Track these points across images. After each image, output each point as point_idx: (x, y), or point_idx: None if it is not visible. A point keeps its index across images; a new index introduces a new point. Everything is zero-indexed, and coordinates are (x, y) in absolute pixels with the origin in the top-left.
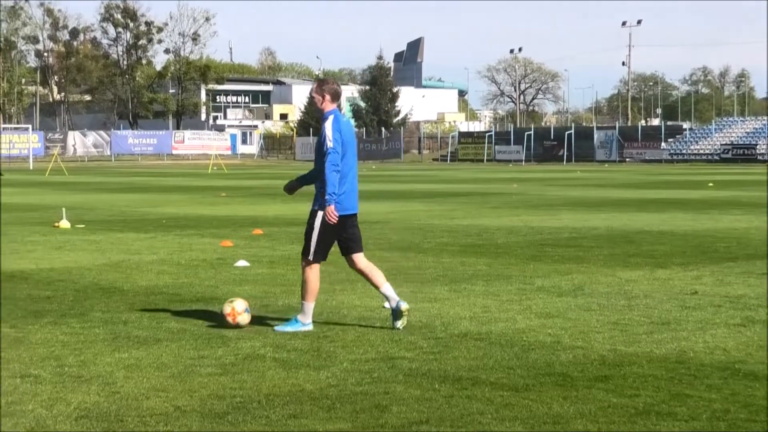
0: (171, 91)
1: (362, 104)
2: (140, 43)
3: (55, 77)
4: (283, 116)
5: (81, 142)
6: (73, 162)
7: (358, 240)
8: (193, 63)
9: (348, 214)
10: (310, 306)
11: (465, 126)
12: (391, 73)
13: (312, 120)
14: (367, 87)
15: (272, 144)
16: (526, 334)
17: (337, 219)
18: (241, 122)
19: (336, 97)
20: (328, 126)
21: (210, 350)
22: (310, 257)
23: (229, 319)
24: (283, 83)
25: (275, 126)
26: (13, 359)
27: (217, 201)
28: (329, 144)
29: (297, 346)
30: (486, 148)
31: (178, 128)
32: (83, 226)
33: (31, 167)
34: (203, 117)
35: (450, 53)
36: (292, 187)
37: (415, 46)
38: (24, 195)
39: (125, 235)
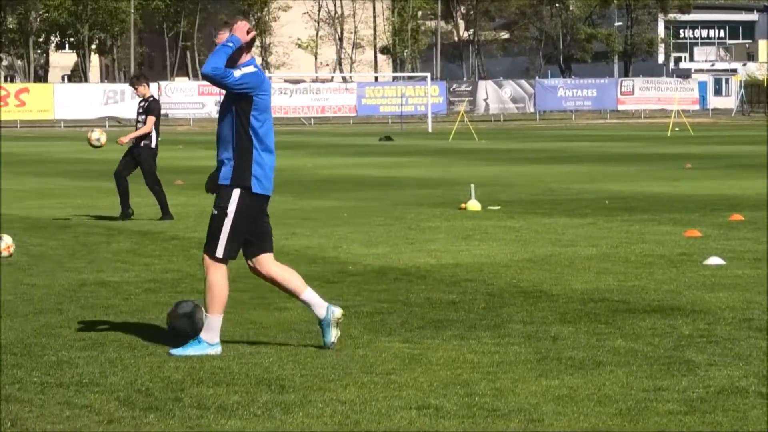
0: (617, 24)
1: None
2: None
3: (461, 9)
4: None
5: (495, 96)
6: (484, 122)
7: (271, 234)
8: None
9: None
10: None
11: None
12: None
13: None
14: None
15: (757, 95)
16: None
17: None
18: (713, 65)
19: None
20: None
21: (671, 380)
22: (217, 254)
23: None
24: None
25: (761, 69)
26: (408, 384)
27: (679, 175)
28: None
29: None
30: None
31: (625, 75)
32: (498, 208)
33: (429, 129)
34: (660, 59)
35: None
36: None
37: None
38: (420, 167)
39: (554, 220)
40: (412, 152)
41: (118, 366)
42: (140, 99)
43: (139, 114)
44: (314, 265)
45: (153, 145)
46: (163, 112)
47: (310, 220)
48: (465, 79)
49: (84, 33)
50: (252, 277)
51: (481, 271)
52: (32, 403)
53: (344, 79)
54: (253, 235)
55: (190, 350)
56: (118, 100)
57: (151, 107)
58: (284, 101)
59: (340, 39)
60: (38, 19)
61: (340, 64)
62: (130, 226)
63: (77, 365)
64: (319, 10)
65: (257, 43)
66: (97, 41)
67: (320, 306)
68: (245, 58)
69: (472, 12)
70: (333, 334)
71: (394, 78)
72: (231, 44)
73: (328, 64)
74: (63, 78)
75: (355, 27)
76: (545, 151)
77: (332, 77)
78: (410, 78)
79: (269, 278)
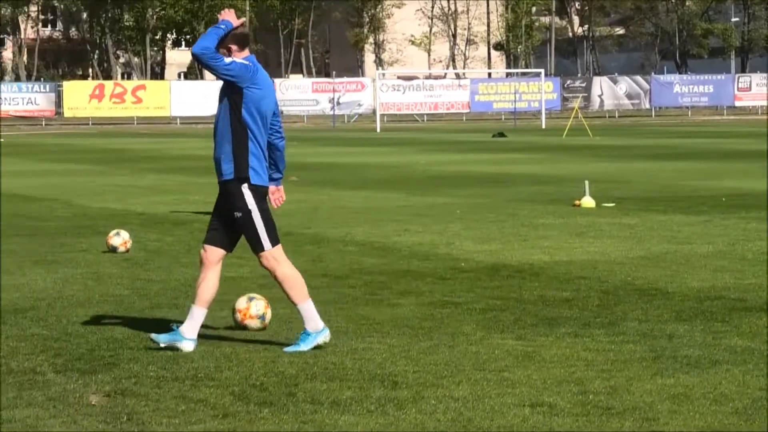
0: (733, 19)
1: None
2: None
3: (576, 4)
4: None
5: (610, 92)
6: (599, 118)
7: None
8: None
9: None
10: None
11: None
12: None
13: None
14: None
15: None
16: None
17: None
18: None
19: None
20: None
21: None
22: (270, 244)
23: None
24: None
25: None
26: (521, 381)
27: None
28: None
29: None
30: None
31: (742, 71)
32: (612, 204)
33: (543, 125)
34: None
35: None
36: None
37: None
38: (533, 163)
39: (669, 217)
40: (525, 149)
41: (233, 360)
42: None
43: None
44: (426, 262)
45: None
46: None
47: (423, 217)
48: (579, 75)
49: (200, 30)
50: (364, 273)
51: (596, 269)
52: (148, 397)
53: (457, 76)
54: (224, 223)
55: (303, 346)
56: None
57: None
58: (397, 98)
59: (454, 35)
60: (155, 17)
61: (453, 60)
62: None
63: (193, 359)
64: (433, 7)
65: (371, 39)
66: None
67: (199, 319)
68: (243, 54)
69: (586, 8)
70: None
71: (508, 74)
72: (223, 27)
73: (441, 61)
74: (179, 75)
75: (469, 23)
76: (660, 147)
77: (445, 74)
78: (524, 74)
79: (205, 274)
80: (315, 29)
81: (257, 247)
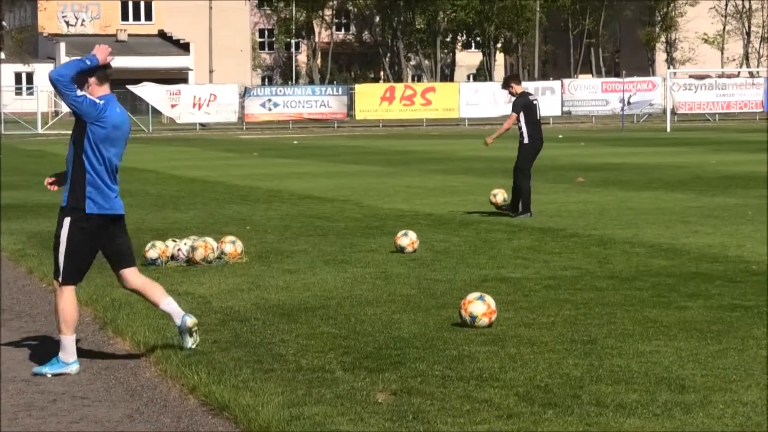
0: None
1: None
2: None
3: None
4: None
5: None
6: None
7: (129, 251)
8: None
9: (113, 215)
10: (69, 340)
11: None
12: None
13: None
14: None
15: None
16: None
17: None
18: None
19: None
20: None
21: None
22: (60, 278)
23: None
24: None
25: None
26: None
27: None
28: None
29: None
30: None
31: None
32: None
33: None
34: None
35: None
36: None
37: None
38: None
39: None
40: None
41: (518, 362)
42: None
43: None
44: (717, 264)
45: (525, 141)
46: (565, 109)
47: (713, 218)
48: None
49: (490, 32)
50: (651, 275)
51: None
52: (434, 396)
53: (751, 74)
54: (110, 253)
55: (47, 368)
56: None
57: (514, 103)
58: (689, 97)
59: (748, 33)
60: (446, 19)
61: (747, 58)
62: (531, 223)
63: (478, 359)
64: (727, 5)
65: (662, 38)
66: (503, 39)
67: (177, 315)
68: (101, 89)
69: None
70: (189, 341)
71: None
72: (88, 62)
73: (734, 59)
74: (468, 77)
75: (764, 21)
76: None
77: (738, 72)
78: None
79: (134, 290)
80: (605, 28)
81: (55, 273)
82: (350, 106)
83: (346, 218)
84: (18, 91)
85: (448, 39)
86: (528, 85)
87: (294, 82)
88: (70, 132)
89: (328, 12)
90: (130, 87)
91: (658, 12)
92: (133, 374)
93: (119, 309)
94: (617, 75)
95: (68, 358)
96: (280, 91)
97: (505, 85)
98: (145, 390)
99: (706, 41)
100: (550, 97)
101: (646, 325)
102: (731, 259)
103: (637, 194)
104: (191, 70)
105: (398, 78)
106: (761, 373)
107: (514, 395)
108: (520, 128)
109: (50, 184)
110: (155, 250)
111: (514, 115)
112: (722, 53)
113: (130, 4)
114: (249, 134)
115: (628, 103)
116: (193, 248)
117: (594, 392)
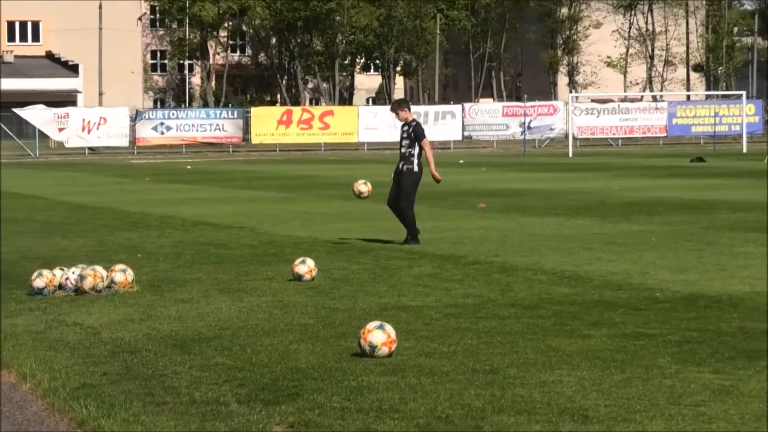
0: None
1: None
2: None
3: None
4: None
5: None
6: None
7: None
8: None
9: None
10: None
11: None
12: None
13: None
14: None
15: None
16: None
17: None
18: None
19: None
20: None
21: None
22: None
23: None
24: None
25: None
26: (718, 416)
27: None
28: None
29: None
30: None
31: None
32: None
33: (744, 149)
34: None
35: None
36: None
37: None
38: (733, 189)
39: None
40: (725, 174)
41: (418, 392)
42: (403, 123)
43: (403, 138)
44: (620, 292)
45: (415, 169)
46: (466, 134)
47: (616, 245)
48: None
49: (390, 54)
50: (554, 303)
51: None
52: (332, 428)
53: (654, 98)
54: None
55: None
56: (422, 123)
57: (420, 131)
58: (591, 121)
59: (651, 57)
60: (344, 42)
61: (650, 82)
62: (432, 250)
63: (377, 390)
64: (630, 28)
65: (565, 61)
66: (402, 62)
67: None
68: None
69: None
70: None
71: (707, 96)
72: None
73: (638, 83)
74: (367, 101)
75: (667, 44)
76: None
77: (642, 96)
78: (724, 96)
79: None
80: (507, 51)
81: None
82: (246, 129)
83: (241, 245)
84: None
85: (346, 61)
86: (428, 109)
87: (188, 105)
88: None
89: (223, 33)
90: (16, 110)
91: (560, 35)
92: (19, 408)
93: (4, 340)
94: (519, 99)
95: None
96: (173, 114)
97: (399, 107)
98: (32, 424)
99: (609, 64)
100: (450, 122)
101: (548, 354)
102: (635, 287)
103: (540, 220)
104: (80, 92)
105: (296, 101)
106: (666, 404)
107: (415, 427)
108: (410, 156)
109: None
110: (42, 278)
111: (428, 140)
112: (625, 77)
113: (17, 24)
114: (140, 159)
115: (529, 127)
116: (82, 277)
117: (496, 423)
